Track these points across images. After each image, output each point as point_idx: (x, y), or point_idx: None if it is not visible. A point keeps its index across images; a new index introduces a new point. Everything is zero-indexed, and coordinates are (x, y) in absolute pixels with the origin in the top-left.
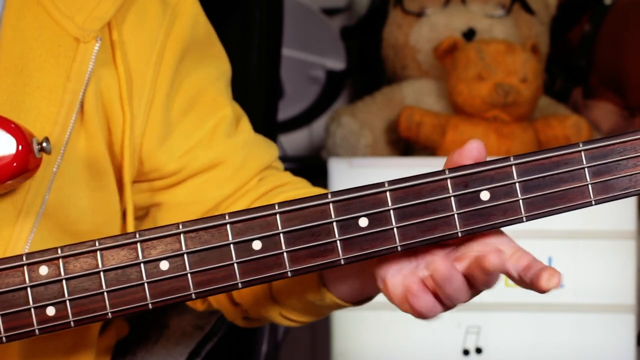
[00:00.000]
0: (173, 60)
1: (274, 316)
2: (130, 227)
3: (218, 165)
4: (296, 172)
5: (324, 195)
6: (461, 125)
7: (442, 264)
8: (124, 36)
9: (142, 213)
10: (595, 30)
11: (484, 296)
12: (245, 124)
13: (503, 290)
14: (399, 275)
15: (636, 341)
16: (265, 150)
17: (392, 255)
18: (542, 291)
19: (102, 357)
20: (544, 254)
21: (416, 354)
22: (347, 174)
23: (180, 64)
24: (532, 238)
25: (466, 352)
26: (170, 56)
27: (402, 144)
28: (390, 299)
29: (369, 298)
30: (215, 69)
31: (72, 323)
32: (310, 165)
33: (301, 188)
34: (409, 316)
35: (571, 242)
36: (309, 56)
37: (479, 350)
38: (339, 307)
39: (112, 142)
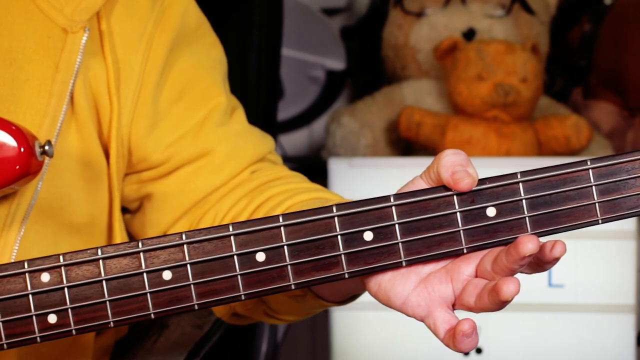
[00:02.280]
0: (162, 50)
1: (259, 314)
2: (117, 219)
3: (207, 155)
4: (296, 172)
5: (329, 209)
6: (461, 125)
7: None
8: (112, 26)
9: (136, 205)
10: (595, 30)
11: None
12: (240, 114)
13: None
14: (417, 295)
15: (636, 341)
16: (260, 142)
17: None
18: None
19: (101, 357)
20: None
21: (416, 354)
22: (347, 174)
23: (171, 54)
24: None
25: (466, 352)
26: (159, 46)
27: (402, 144)
28: (409, 315)
29: (354, 297)
30: (210, 58)
31: (73, 331)
32: (310, 165)
33: (294, 183)
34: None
35: (571, 242)
36: (309, 56)
37: (479, 350)
38: (324, 307)
39: (102, 133)
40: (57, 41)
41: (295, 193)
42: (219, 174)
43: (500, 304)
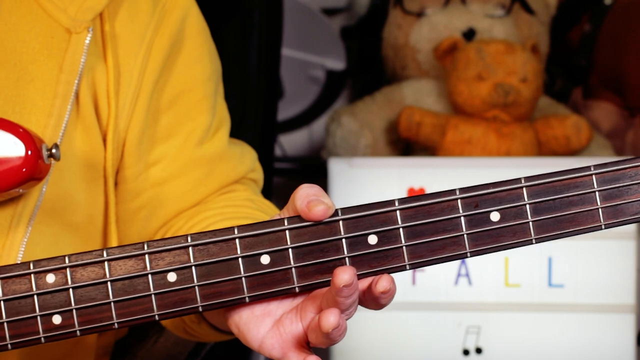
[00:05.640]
0: (160, 58)
1: (180, 332)
2: (112, 221)
3: (178, 178)
4: (296, 172)
5: (335, 212)
6: (461, 125)
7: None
8: (115, 28)
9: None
10: (595, 30)
11: (484, 296)
12: (223, 134)
13: (503, 290)
14: (271, 337)
15: (636, 341)
16: (238, 163)
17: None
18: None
19: (102, 356)
20: (544, 254)
21: (416, 354)
22: (347, 174)
23: (167, 62)
24: None
25: (466, 352)
26: (158, 53)
27: (402, 144)
28: (267, 357)
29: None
30: (205, 69)
31: (78, 332)
32: (310, 165)
33: (243, 207)
34: (409, 316)
35: (571, 242)
36: (309, 56)
37: (479, 350)
38: (221, 336)
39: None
40: (61, 41)
41: (225, 218)
42: (188, 198)
43: (326, 337)
